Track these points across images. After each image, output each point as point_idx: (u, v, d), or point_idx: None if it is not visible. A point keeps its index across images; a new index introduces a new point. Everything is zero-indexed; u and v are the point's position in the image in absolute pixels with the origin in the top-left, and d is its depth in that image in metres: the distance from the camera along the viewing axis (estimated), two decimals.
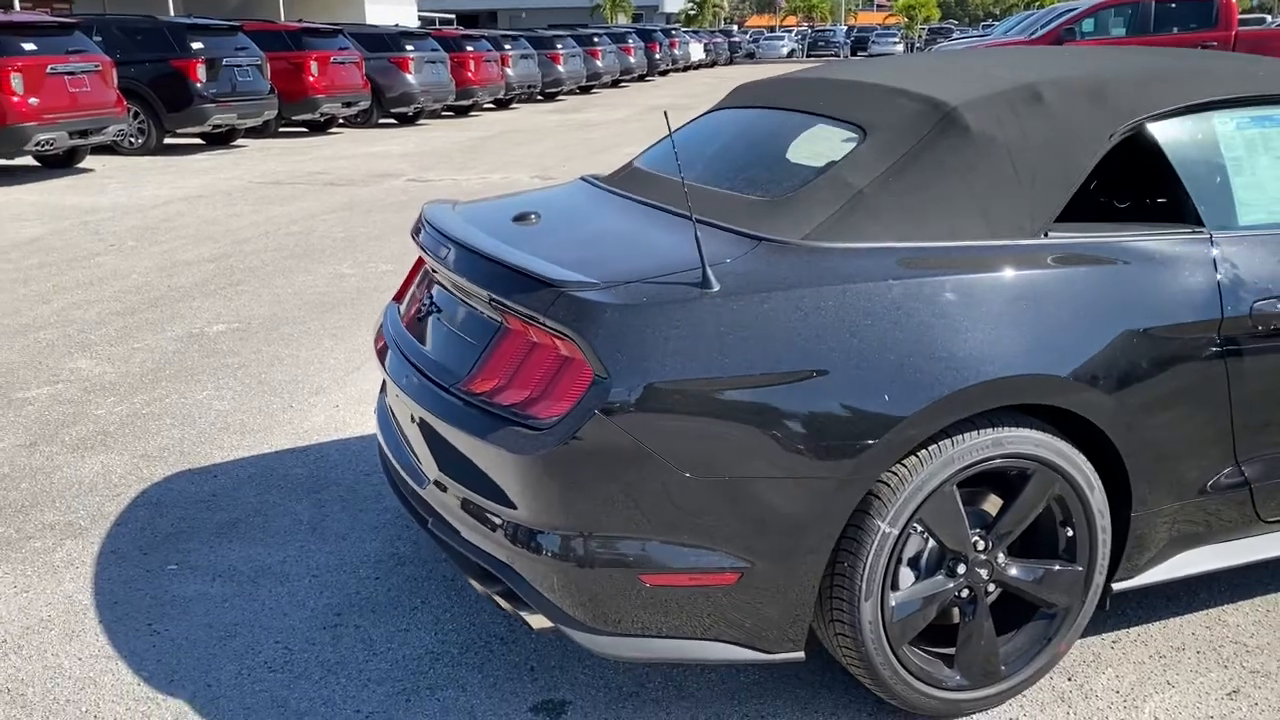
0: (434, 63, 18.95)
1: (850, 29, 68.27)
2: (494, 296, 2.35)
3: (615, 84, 30.58)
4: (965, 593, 2.41)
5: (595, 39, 28.47)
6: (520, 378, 2.29)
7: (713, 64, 45.26)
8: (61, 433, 4.32)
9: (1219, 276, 2.50)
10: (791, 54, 56.90)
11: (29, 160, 12.46)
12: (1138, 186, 2.70)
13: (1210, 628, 2.83)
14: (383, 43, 18.40)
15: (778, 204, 2.48)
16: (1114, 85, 2.61)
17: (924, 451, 2.25)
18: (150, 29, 14.11)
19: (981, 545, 2.39)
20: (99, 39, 13.34)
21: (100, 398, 4.73)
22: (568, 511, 2.18)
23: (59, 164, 12.54)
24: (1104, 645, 2.76)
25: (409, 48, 18.42)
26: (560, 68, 25.60)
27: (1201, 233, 2.54)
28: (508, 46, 22.79)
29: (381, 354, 2.87)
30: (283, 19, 25.33)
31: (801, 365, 2.16)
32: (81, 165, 12.72)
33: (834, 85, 2.94)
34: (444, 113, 20.86)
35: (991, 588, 2.44)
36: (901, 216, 2.39)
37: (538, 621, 2.31)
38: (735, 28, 77.43)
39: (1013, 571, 2.44)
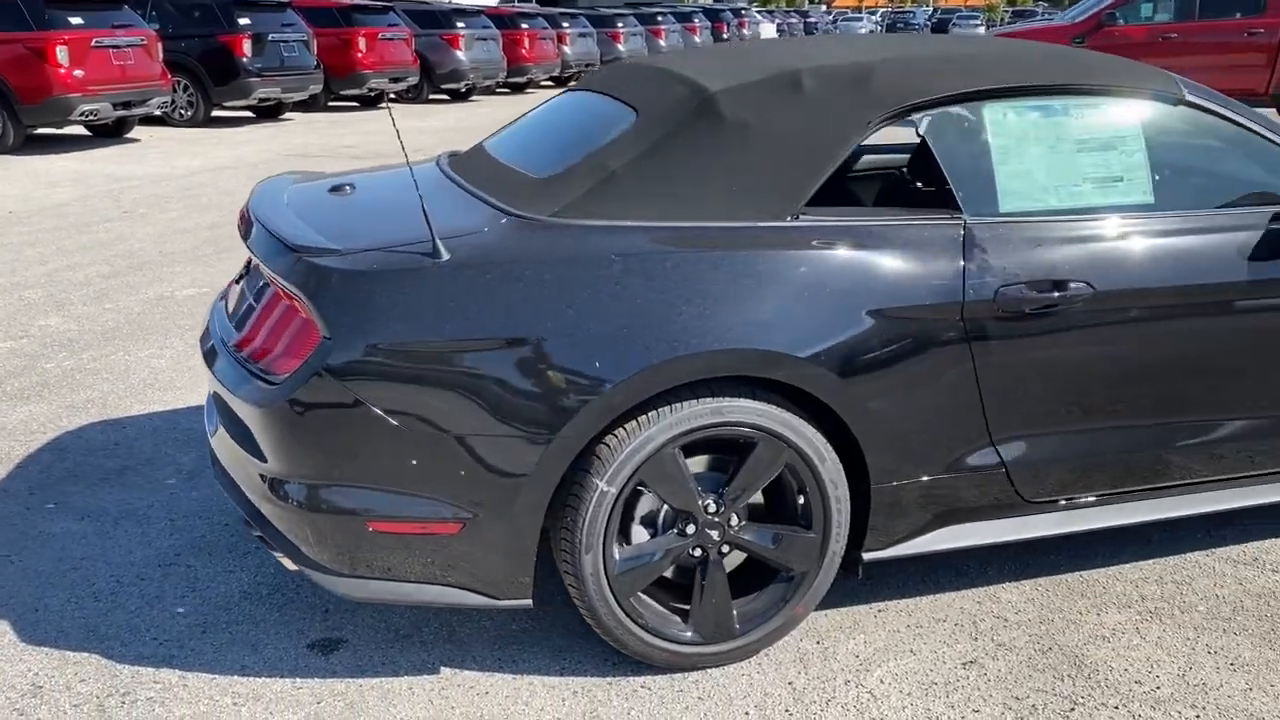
0: (485, 40, 19.26)
1: (934, 11, 67.11)
2: (258, 260, 2.55)
3: None
4: (697, 552, 2.55)
5: (659, 18, 28.49)
6: (271, 337, 2.49)
7: None
8: (5, 384, 4.65)
9: (965, 261, 2.58)
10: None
11: (81, 130, 13.06)
12: (908, 173, 2.79)
13: (981, 602, 2.92)
14: (434, 19, 18.78)
15: (543, 183, 2.64)
16: (879, 74, 2.70)
17: (643, 416, 2.39)
18: (199, 4, 14.61)
19: (714, 508, 2.53)
20: (151, 13, 13.90)
21: (54, 353, 5.06)
22: (301, 461, 2.38)
23: (108, 134, 13.11)
24: (868, 613, 2.87)
25: (460, 25, 18.77)
26: (620, 46, 25.72)
27: (957, 218, 2.63)
28: (565, 24, 23.00)
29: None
30: None
31: (517, 332, 2.32)
32: (129, 136, 13.28)
33: (642, 71, 3.06)
34: (498, 90, 21.19)
35: (726, 549, 2.57)
36: (651, 197, 2.53)
37: (288, 562, 2.52)
38: (824, 7, 76.61)
39: (747, 535, 2.57)
